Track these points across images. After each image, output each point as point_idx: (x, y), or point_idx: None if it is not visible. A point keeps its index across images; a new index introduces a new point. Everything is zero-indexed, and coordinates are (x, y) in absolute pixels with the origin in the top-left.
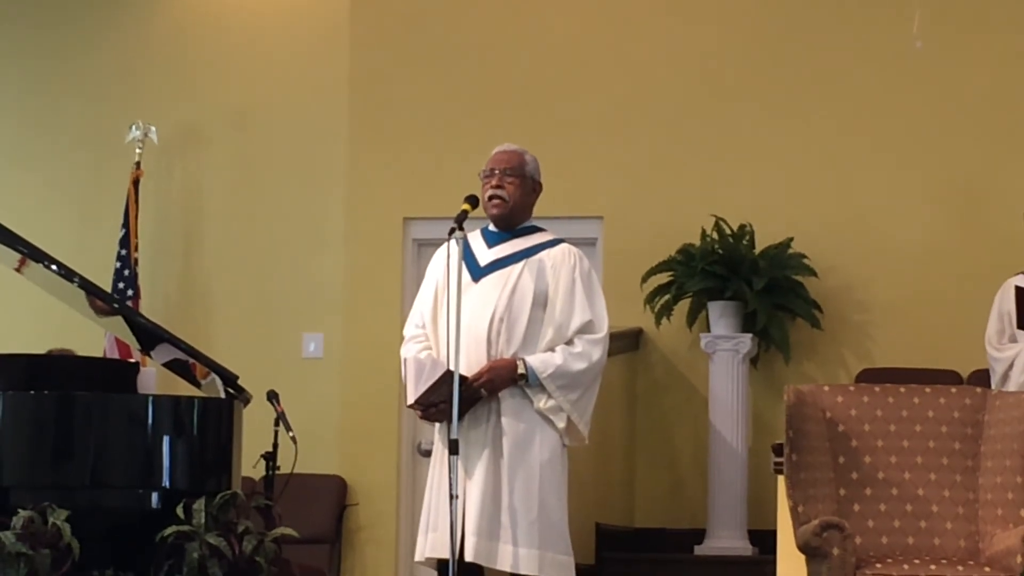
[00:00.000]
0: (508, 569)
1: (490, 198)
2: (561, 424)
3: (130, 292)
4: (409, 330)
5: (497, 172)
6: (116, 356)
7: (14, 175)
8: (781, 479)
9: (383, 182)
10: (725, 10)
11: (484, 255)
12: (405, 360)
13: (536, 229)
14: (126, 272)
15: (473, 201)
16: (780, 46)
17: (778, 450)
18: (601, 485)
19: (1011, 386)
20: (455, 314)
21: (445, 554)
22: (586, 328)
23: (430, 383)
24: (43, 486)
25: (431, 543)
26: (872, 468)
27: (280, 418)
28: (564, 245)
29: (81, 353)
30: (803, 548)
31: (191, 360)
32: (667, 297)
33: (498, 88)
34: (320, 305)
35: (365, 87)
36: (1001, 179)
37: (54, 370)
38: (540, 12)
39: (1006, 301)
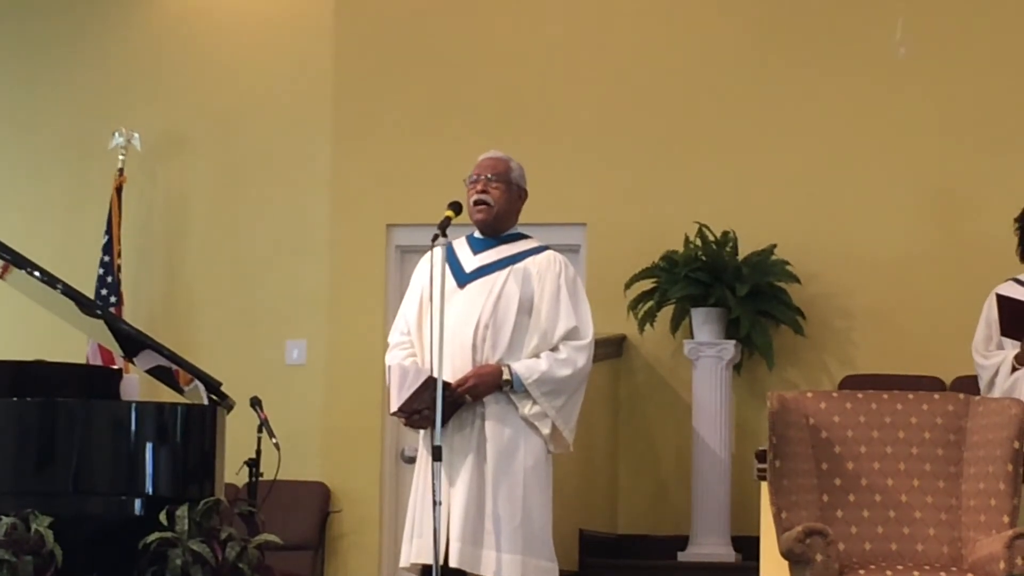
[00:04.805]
0: (491, 575)
1: (475, 203)
2: (546, 430)
3: (113, 299)
4: (394, 337)
5: (482, 178)
6: (99, 363)
7: None
8: (764, 485)
9: (366, 188)
10: (708, 19)
11: (469, 262)
12: (389, 367)
13: (521, 236)
14: (109, 279)
15: (456, 208)
16: (762, 55)
17: (761, 456)
18: (584, 491)
19: (996, 392)
20: (439, 320)
21: (429, 560)
22: (571, 335)
23: (413, 390)
24: (26, 492)
25: (416, 549)
26: (855, 474)
27: (263, 425)
28: (549, 252)
29: (63, 360)
30: (786, 554)
31: (174, 367)
32: (650, 304)
33: (482, 95)
34: (303, 312)
35: (349, 94)
36: (983, 186)
37: (37, 377)
38: (524, 20)
39: (993, 308)
